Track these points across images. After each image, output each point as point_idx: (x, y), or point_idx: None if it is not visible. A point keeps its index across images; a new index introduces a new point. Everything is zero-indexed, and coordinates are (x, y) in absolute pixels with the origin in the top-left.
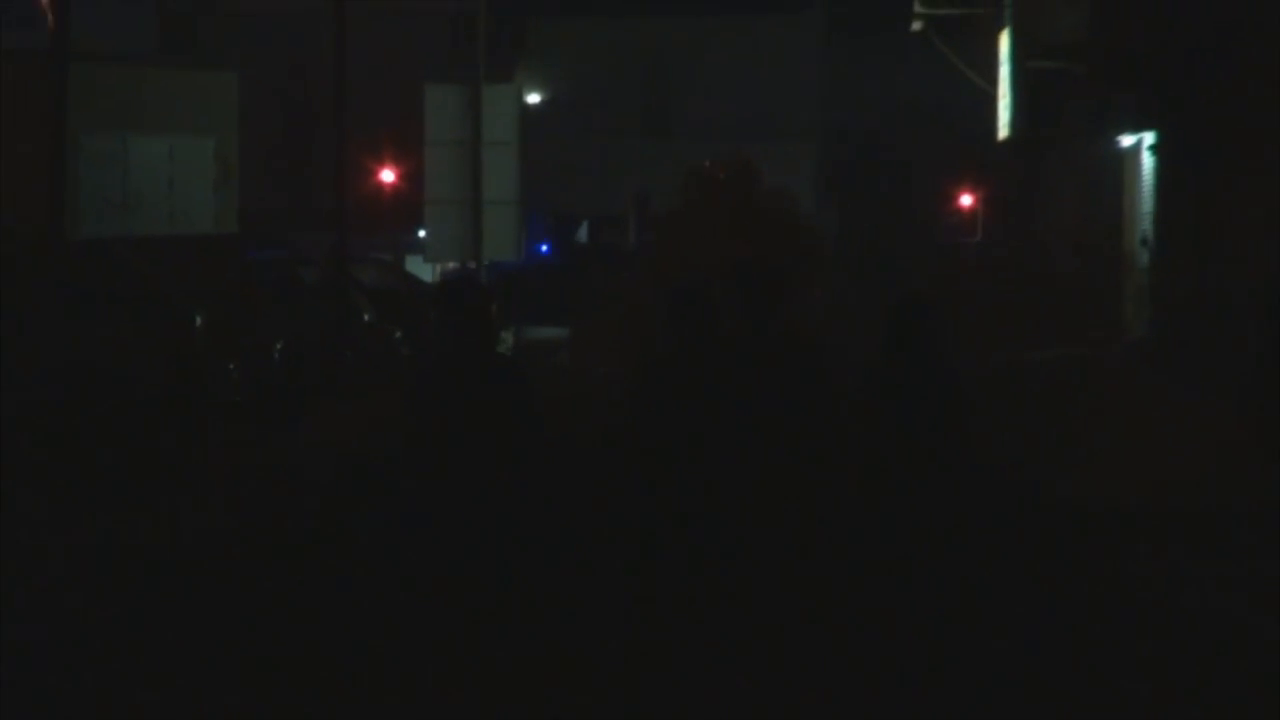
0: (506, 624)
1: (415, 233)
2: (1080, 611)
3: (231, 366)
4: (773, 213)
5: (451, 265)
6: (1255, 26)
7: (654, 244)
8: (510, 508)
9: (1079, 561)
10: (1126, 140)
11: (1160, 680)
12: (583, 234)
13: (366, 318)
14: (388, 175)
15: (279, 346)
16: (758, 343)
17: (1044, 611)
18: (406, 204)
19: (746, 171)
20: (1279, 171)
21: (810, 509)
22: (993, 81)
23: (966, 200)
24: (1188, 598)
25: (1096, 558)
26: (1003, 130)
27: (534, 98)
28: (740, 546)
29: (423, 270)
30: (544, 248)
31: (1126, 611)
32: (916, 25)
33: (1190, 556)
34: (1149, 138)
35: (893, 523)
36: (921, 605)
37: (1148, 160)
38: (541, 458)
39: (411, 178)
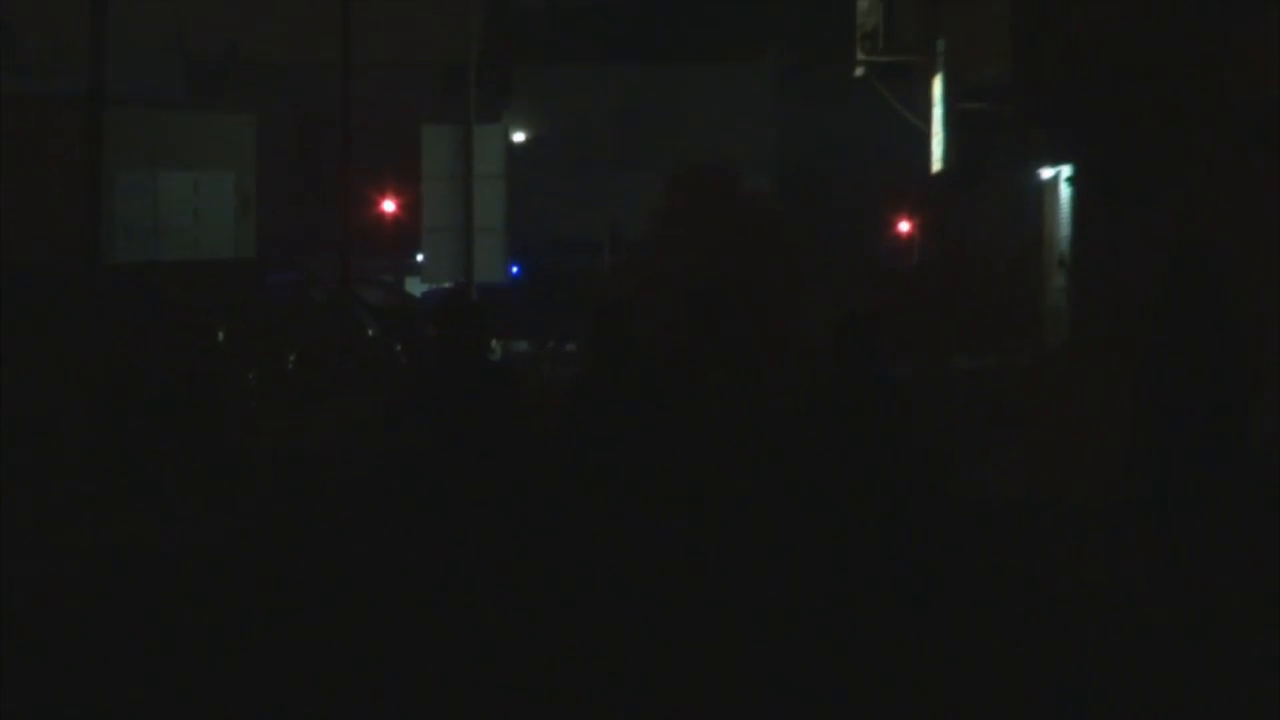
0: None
1: (414, 256)
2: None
3: (250, 375)
4: (755, 218)
5: (446, 285)
6: (1153, 74)
7: (628, 262)
8: (500, 499)
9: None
10: (1046, 173)
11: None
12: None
13: (370, 333)
14: (389, 206)
15: (292, 358)
16: (692, 358)
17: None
18: (406, 231)
19: (728, 174)
20: (1176, 199)
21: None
22: (927, 121)
23: (904, 227)
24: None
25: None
26: (936, 164)
27: (519, 136)
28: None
29: (420, 290)
30: (514, 269)
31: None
32: (859, 71)
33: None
34: (1066, 170)
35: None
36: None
37: (1065, 190)
38: (529, 451)
39: (410, 208)
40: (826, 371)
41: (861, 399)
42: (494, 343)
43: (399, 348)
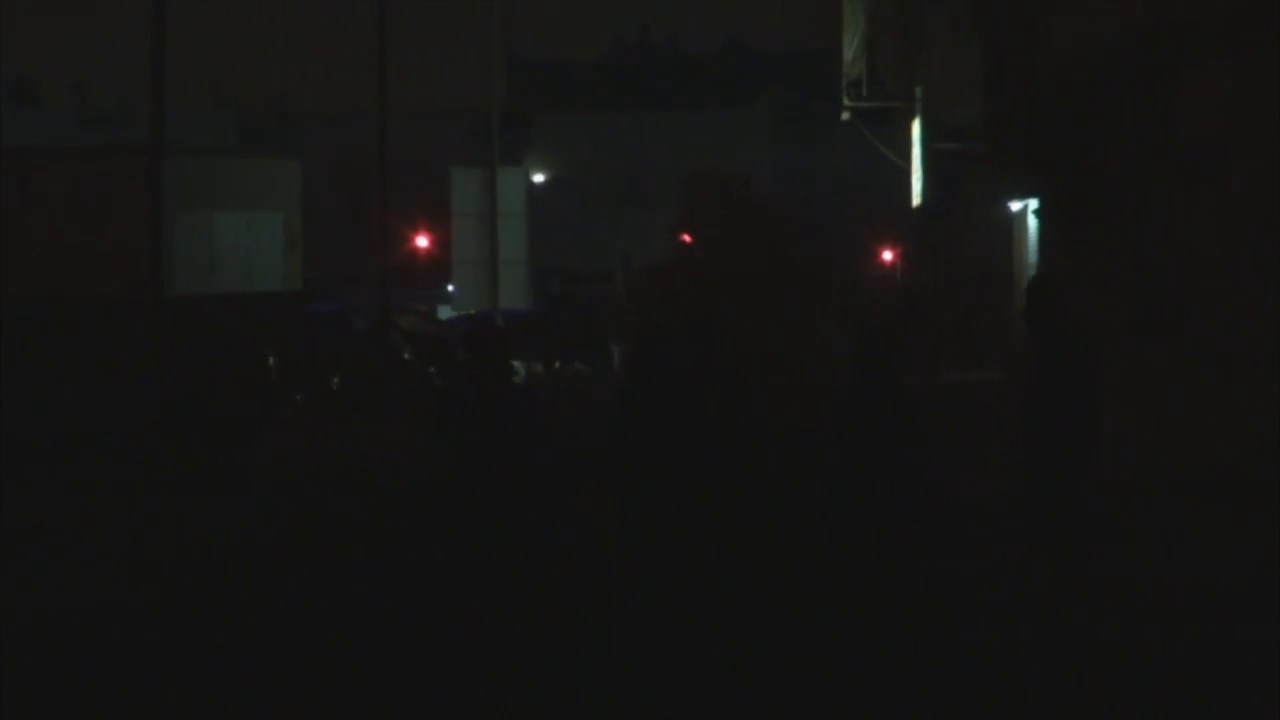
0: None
1: (445, 287)
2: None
3: (298, 397)
4: (769, 225)
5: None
6: (1109, 116)
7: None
8: (523, 512)
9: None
10: (1015, 206)
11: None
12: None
13: (406, 357)
14: (422, 241)
15: (336, 380)
16: (695, 378)
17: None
18: (437, 264)
19: (741, 186)
20: (1130, 229)
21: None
22: (907, 159)
23: (887, 256)
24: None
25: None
26: (916, 199)
27: (539, 177)
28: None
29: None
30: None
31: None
32: (845, 115)
33: None
34: (1033, 203)
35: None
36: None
37: (1032, 221)
38: (549, 469)
39: (441, 243)
40: (849, 381)
41: (884, 407)
42: (517, 364)
43: (433, 370)
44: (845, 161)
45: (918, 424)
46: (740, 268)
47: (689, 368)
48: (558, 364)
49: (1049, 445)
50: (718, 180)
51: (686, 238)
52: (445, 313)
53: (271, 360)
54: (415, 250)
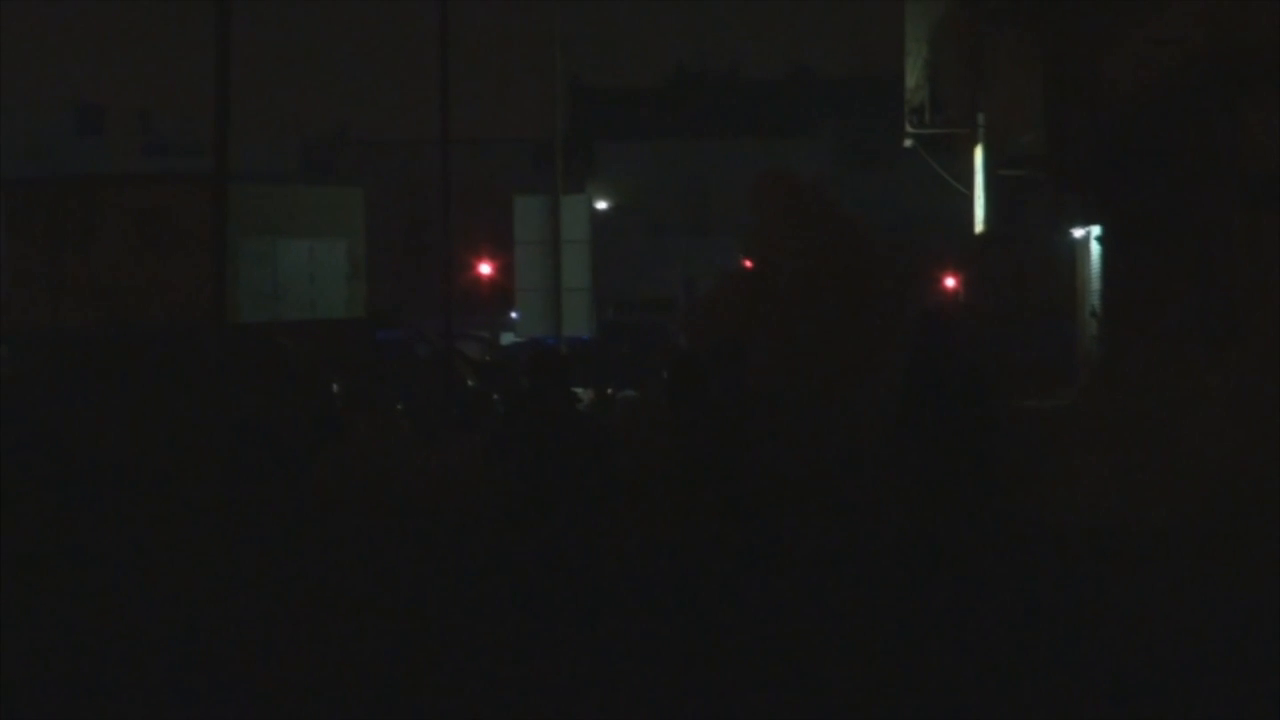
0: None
1: (508, 314)
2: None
3: (362, 423)
4: (841, 230)
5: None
6: (1171, 143)
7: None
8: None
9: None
10: (1078, 232)
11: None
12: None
13: (470, 383)
14: (485, 268)
15: (400, 407)
16: (726, 405)
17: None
18: (501, 291)
19: (813, 191)
20: (1193, 255)
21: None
22: (970, 186)
23: (950, 282)
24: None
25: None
26: (978, 225)
27: (601, 205)
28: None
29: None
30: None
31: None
32: (908, 142)
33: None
34: (1095, 230)
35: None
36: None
37: (1095, 248)
38: (614, 491)
39: (504, 270)
40: (911, 359)
41: (945, 380)
42: (579, 391)
43: (496, 396)
44: (907, 188)
45: (983, 391)
46: (820, 281)
47: (719, 394)
48: (609, 390)
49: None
50: (788, 185)
51: (749, 263)
52: (507, 339)
53: (335, 387)
54: (478, 277)
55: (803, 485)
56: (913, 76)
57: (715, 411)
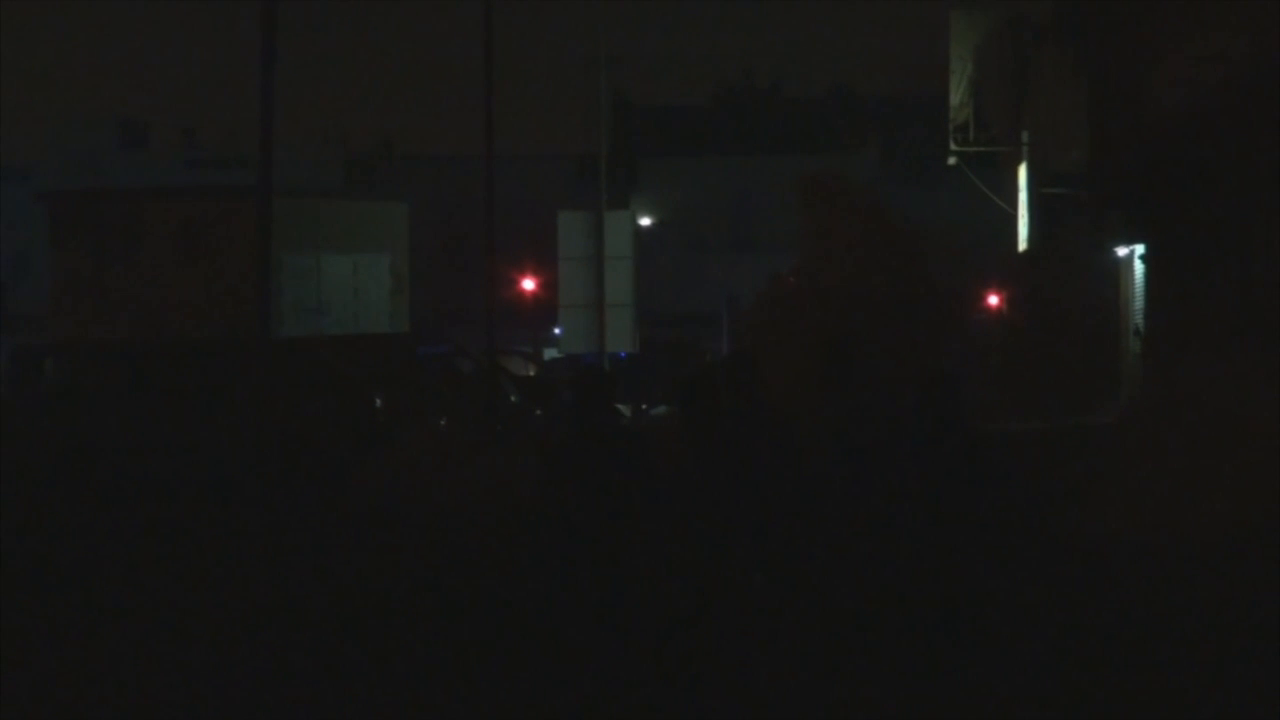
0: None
1: (551, 330)
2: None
3: (404, 437)
4: (891, 233)
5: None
6: (1216, 161)
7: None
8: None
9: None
10: (1121, 251)
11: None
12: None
13: (513, 399)
14: (529, 284)
15: (442, 422)
16: (736, 419)
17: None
18: (544, 307)
19: (866, 195)
20: (1238, 276)
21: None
22: (1013, 204)
23: (993, 300)
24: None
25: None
26: (1022, 244)
27: (645, 221)
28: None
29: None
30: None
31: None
32: (952, 160)
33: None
34: (1139, 249)
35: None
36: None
37: (1139, 267)
38: (658, 504)
39: (548, 285)
40: (910, 426)
41: (942, 453)
42: (622, 407)
43: (538, 412)
44: (950, 206)
45: (980, 466)
46: (870, 282)
47: (728, 408)
48: (644, 406)
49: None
50: (837, 186)
51: (792, 280)
52: (550, 355)
53: (378, 401)
54: (522, 293)
55: (805, 501)
56: (957, 94)
57: (724, 426)
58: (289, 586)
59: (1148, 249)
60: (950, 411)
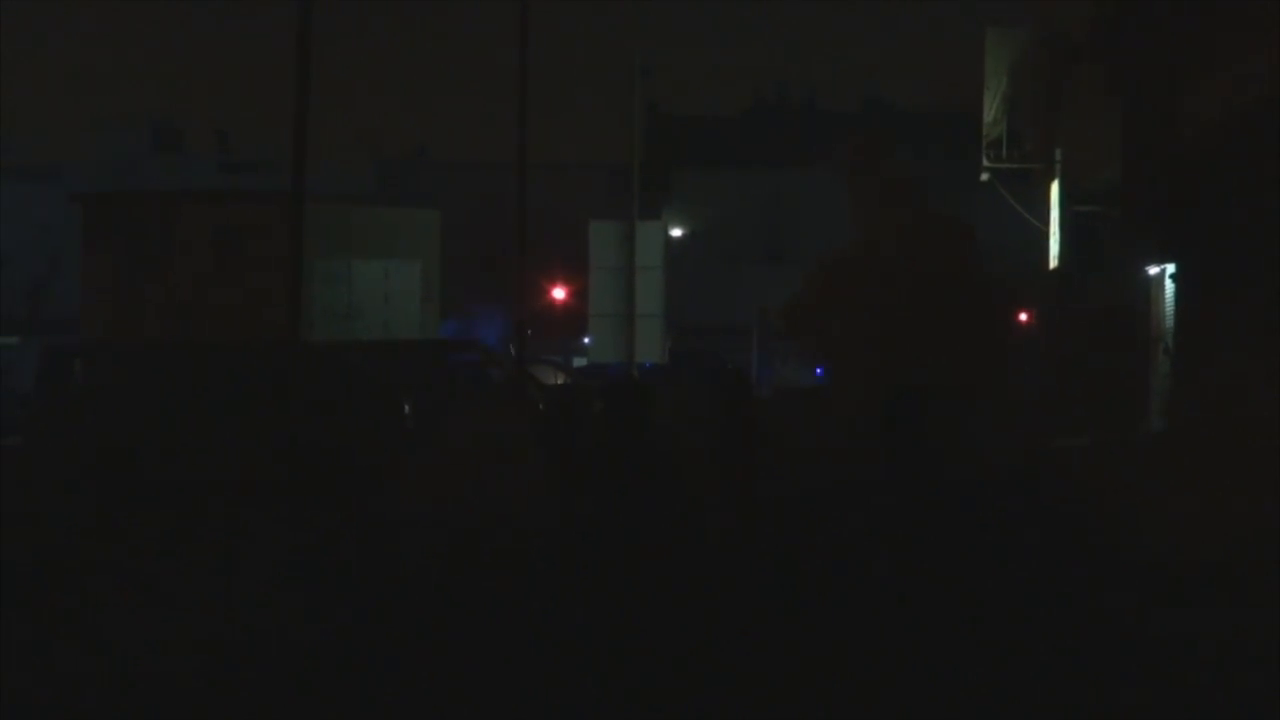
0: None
1: (581, 339)
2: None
3: (433, 445)
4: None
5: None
6: (1249, 184)
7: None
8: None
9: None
10: (1153, 270)
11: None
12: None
13: (541, 408)
14: (559, 293)
15: (472, 430)
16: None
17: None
18: (574, 316)
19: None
20: (1269, 297)
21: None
22: (1045, 221)
23: (1023, 317)
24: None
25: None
26: (1053, 261)
27: (676, 231)
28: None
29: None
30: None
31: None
32: (984, 176)
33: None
34: (1170, 268)
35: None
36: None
37: (1169, 286)
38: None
39: (578, 295)
40: (877, 440)
41: (911, 466)
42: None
43: (567, 422)
44: (981, 222)
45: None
46: (927, 281)
47: (720, 419)
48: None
49: None
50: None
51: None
52: (579, 364)
53: (407, 408)
54: (552, 301)
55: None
56: (990, 111)
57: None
58: (307, 591)
59: (1178, 268)
60: (919, 427)
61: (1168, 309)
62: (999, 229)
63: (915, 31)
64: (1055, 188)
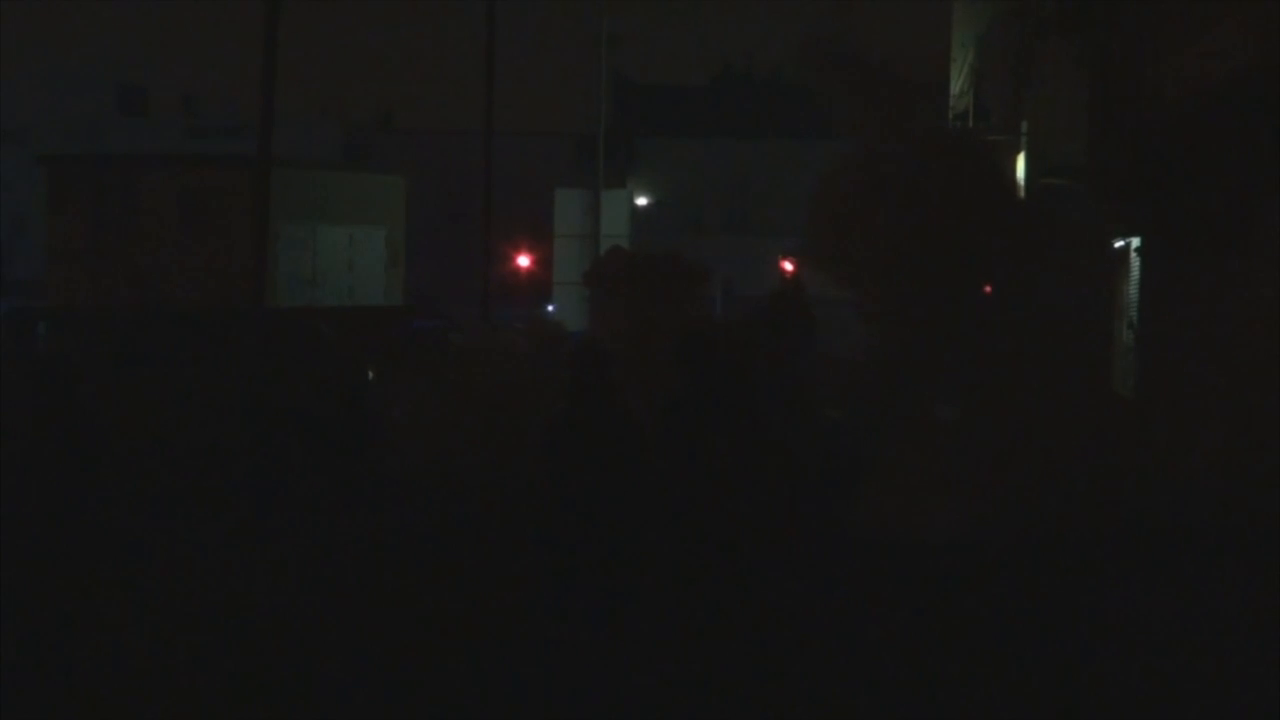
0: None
1: (545, 306)
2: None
3: (395, 411)
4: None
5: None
6: (1217, 157)
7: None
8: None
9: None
10: (1118, 243)
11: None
12: None
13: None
14: (523, 260)
15: (434, 395)
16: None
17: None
18: (538, 283)
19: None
20: (1235, 271)
21: None
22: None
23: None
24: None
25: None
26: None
27: (641, 200)
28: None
29: None
30: None
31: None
32: None
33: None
34: (1135, 241)
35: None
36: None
37: (1135, 259)
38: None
39: (542, 263)
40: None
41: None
42: None
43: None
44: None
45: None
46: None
47: (683, 389)
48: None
49: None
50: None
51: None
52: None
53: (370, 374)
54: (516, 269)
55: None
56: (957, 82)
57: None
58: (271, 560)
59: (1144, 242)
60: (708, 370)
61: (1133, 282)
62: None
63: (883, 3)
64: (1021, 160)
